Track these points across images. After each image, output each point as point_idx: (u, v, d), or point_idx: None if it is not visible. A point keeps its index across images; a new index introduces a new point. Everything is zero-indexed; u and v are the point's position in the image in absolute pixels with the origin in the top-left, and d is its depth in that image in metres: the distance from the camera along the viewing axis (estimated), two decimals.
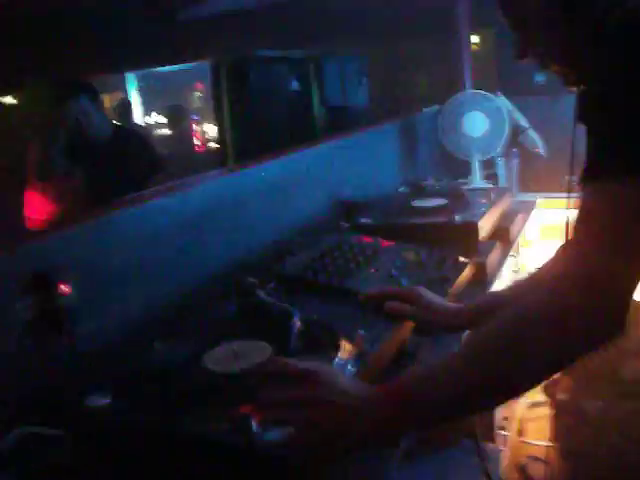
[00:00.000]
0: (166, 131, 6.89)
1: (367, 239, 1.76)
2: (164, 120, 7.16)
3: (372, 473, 1.00)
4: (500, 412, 2.27)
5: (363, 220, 1.93)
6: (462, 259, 1.63)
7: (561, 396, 2.58)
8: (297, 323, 1.11)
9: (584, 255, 0.82)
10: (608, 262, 0.79)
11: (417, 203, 2.07)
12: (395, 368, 1.15)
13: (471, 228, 1.82)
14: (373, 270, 1.55)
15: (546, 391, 3.01)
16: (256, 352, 1.08)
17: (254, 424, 0.85)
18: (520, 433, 2.78)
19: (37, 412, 1.01)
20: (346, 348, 1.06)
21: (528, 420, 2.89)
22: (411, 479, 1.59)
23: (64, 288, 1.18)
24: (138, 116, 7.58)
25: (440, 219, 1.87)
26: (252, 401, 0.91)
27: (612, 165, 0.78)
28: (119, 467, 0.93)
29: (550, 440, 2.57)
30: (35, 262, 1.16)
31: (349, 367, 1.01)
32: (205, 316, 1.29)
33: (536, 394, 3.05)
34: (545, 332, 0.81)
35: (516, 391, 0.90)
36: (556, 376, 2.81)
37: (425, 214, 1.95)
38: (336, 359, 1.02)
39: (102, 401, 0.99)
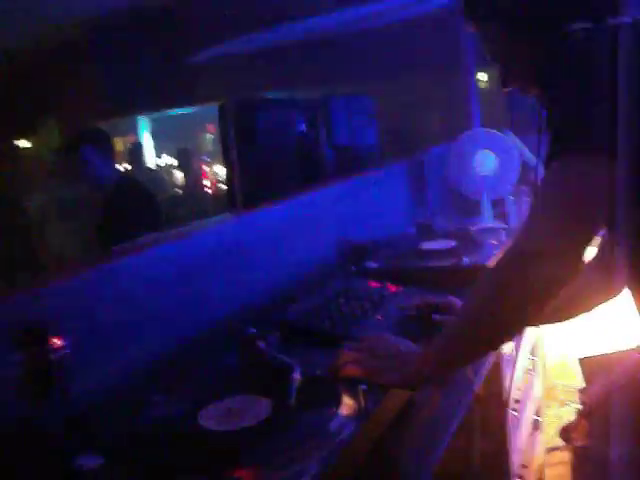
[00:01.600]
0: (178, 172, 6.94)
1: (374, 284, 1.71)
2: (175, 162, 7.21)
3: None
4: (518, 460, 2.19)
5: (370, 264, 1.89)
6: None
7: (580, 442, 2.48)
8: (297, 378, 1.07)
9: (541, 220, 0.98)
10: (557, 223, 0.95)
11: (425, 245, 2.02)
12: (402, 421, 1.09)
13: (482, 271, 1.77)
14: (380, 317, 1.51)
15: (563, 436, 2.92)
16: (254, 409, 1.03)
17: None
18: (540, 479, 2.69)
19: (28, 470, 0.96)
20: (347, 403, 1.01)
21: (548, 466, 2.79)
22: None
23: (57, 342, 1.14)
24: (150, 158, 7.63)
25: (448, 262, 1.83)
26: (246, 462, 0.87)
27: (567, 145, 0.95)
28: None
29: None
30: (28, 314, 1.13)
31: (350, 424, 0.96)
32: (204, 369, 1.25)
33: (555, 438, 2.96)
34: (509, 275, 0.99)
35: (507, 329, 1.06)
36: (573, 421, 2.70)
37: (433, 257, 1.91)
38: (337, 415, 0.97)
39: (94, 462, 0.94)
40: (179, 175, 6.89)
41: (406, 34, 3.70)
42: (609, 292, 1.42)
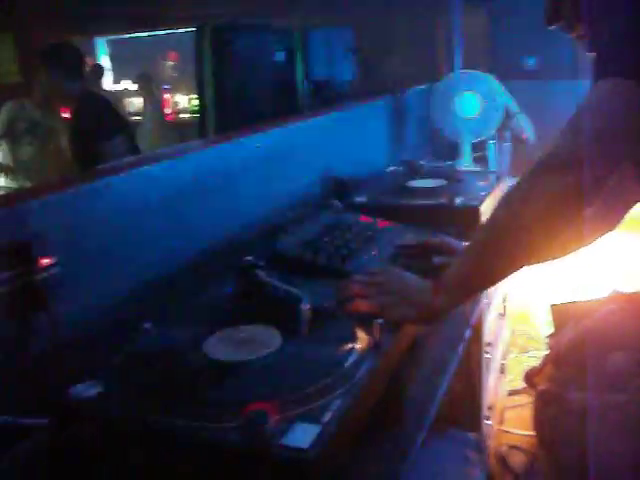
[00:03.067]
0: (137, 99, 6.70)
1: (365, 219, 1.66)
2: (134, 87, 6.95)
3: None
4: (486, 401, 2.21)
5: (358, 199, 1.84)
6: (465, 244, 1.55)
7: (543, 386, 2.52)
8: (306, 308, 1.01)
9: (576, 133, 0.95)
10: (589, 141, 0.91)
11: (414, 183, 1.97)
12: (409, 359, 1.06)
13: (473, 212, 1.73)
14: (374, 252, 1.46)
15: (527, 380, 2.97)
16: (262, 338, 0.98)
17: (269, 424, 0.76)
18: (500, 422, 2.74)
19: (17, 400, 0.89)
20: (362, 338, 0.97)
21: (508, 408, 2.85)
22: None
23: (46, 261, 1.06)
24: (108, 82, 7.34)
25: (440, 201, 1.78)
26: (262, 396, 0.82)
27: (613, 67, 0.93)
28: (108, 468, 0.83)
29: (531, 430, 2.52)
30: (13, 231, 1.04)
31: (368, 359, 0.91)
32: (200, 297, 1.18)
33: (515, 382, 3.02)
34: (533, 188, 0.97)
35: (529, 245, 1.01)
36: (539, 365, 2.73)
37: (424, 195, 1.86)
38: (354, 351, 0.93)
39: (90, 391, 0.88)
40: (138, 101, 6.65)
41: None
42: (609, 225, 1.40)
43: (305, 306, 1.01)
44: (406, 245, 1.46)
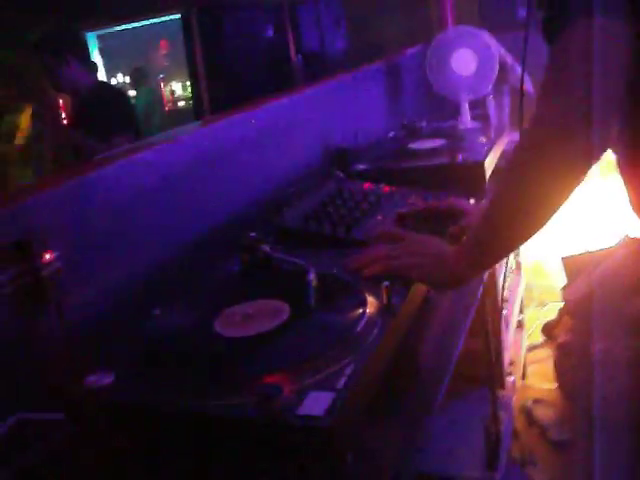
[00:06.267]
0: (133, 92, 6.67)
1: (368, 185, 1.65)
2: (129, 81, 6.92)
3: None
4: (507, 358, 2.21)
5: (360, 166, 1.82)
6: (472, 201, 1.53)
7: (563, 337, 2.51)
8: (312, 278, 1.00)
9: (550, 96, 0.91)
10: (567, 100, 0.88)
11: (414, 145, 1.95)
12: (421, 320, 1.05)
13: (476, 167, 1.71)
14: (380, 217, 1.44)
15: (546, 333, 2.96)
16: (270, 312, 0.97)
17: (283, 396, 0.75)
18: (523, 376, 2.74)
19: (32, 396, 0.89)
20: (371, 302, 0.96)
21: (529, 363, 2.84)
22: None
23: (48, 256, 1.05)
24: (102, 77, 7.30)
25: (442, 160, 1.76)
26: (276, 368, 0.82)
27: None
28: (127, 454, 0.83)
29: (553, 382, 2.52)
30: (13, 229, 1.03)
31: (379, 322, 0.90)
32: (206, 277, 1.17)
33: (535, 336, 3.01)
34: (531, 163, 0.93)
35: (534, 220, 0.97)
36: (556, 318, 2.70)
37: (425, 156, 1.84)
38: (364, 315, 0.92)
39: (104, 380, 0.87)
40: (133, 94, 6.62)
41: None
42: None
43: (312, 276, 1.00)
44: (413, 210, 1.44)
